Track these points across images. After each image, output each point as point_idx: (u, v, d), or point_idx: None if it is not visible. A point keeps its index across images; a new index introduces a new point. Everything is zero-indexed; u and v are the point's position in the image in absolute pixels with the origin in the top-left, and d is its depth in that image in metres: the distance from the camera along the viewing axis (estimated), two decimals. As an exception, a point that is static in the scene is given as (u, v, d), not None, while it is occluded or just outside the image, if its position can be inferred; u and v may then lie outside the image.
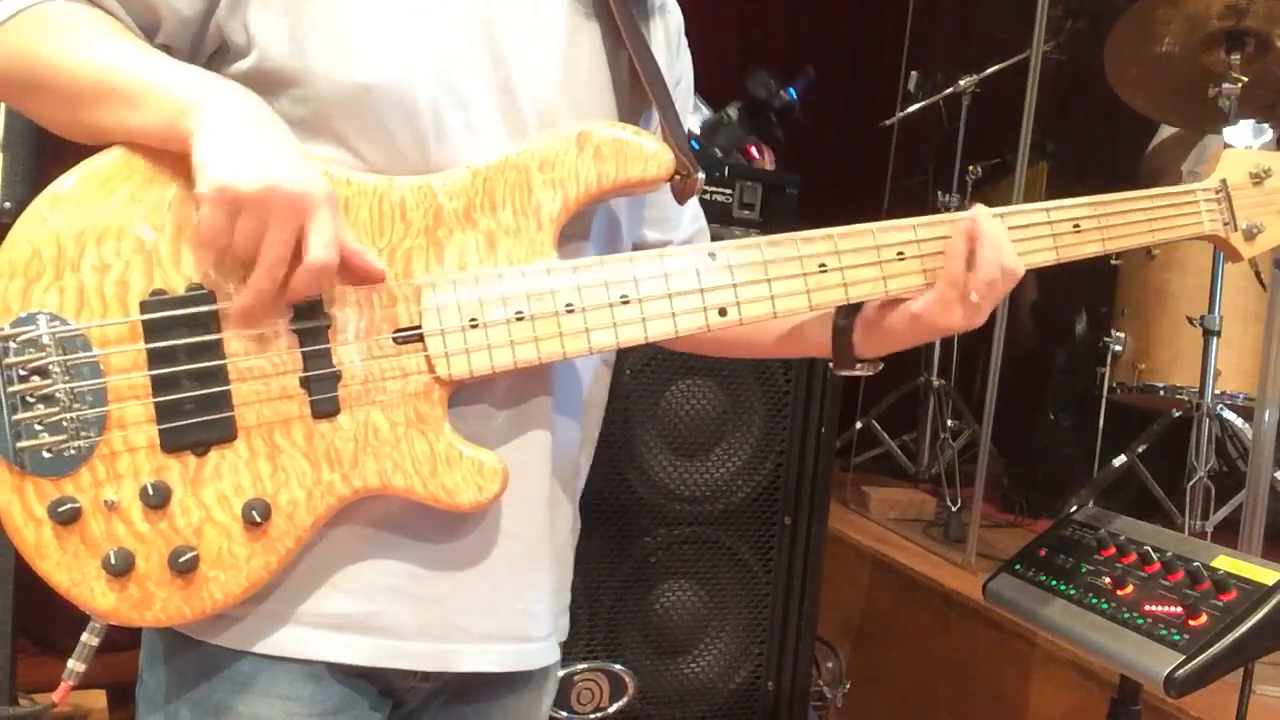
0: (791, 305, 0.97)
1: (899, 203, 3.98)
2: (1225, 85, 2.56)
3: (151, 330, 0.84)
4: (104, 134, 0.86)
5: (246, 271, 0.83)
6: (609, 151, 0.92)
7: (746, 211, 2.12)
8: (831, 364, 1.08)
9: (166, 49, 0.92)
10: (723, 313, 0.95)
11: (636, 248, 1.13)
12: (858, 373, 1.08)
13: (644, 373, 1.91)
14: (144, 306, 0.84)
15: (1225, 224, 1.13)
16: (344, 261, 0.85)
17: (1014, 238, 1.01)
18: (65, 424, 0.82)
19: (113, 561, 0.83)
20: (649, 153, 0.93)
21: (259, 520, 0.85)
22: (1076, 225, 1.05)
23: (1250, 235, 1.14)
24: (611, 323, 0.92)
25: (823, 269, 0.97)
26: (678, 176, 0.97)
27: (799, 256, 0.97)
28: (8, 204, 1.76)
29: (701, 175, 0.98)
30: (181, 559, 0.84)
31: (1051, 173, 3.55)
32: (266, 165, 0.79)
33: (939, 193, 3.80)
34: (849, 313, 1.05)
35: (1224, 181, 1.13)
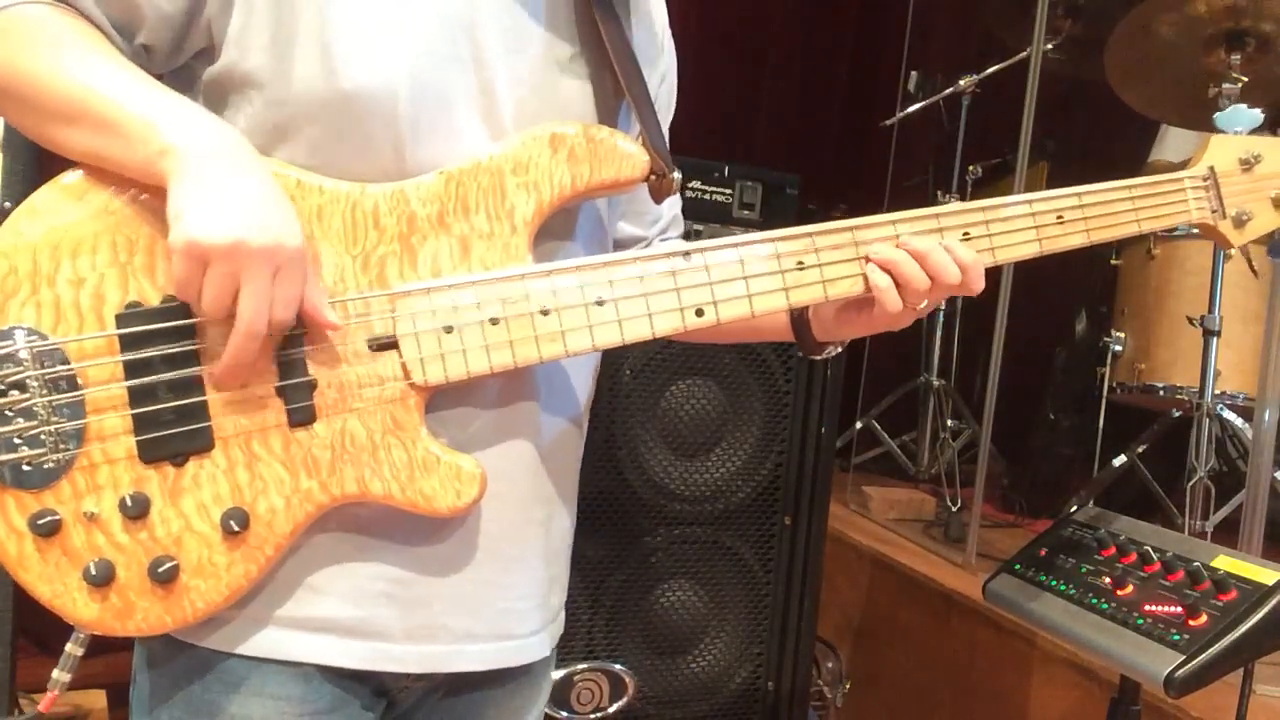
0: (769, 304, 0.96)
1: (899, 203, 3.96)
2: (1225, 85, 2.55)
3: (128, 342, 0.84)
4: (73, 154, 0.85)
5: None
6: (583, 153, 0.92)
7: (746, 211, 2.12)
8: (800, 351, 1.10)
9: (147, 49, 0.92)
10: (699, 313, 0.94)
11: (614, 241, 1.13)
12: (828, 354, 1.10)
13: (644, 373, 1.91)
14: (119, 319, 0.84)
15: (1214, 211, 1.11)
16: (302, 313, 0.85)
17: (995, 230, 1.00)
18: (44, 437, 0.83)
19: (93, 572, 0.83)
20: (623, 154, 0.93)
21: (237, 529, 0.85)
22: (1060, 216, 1.03)
23: (1240, 223, 1.11)
24: (587, 324, 0.91)
25: (800, 267, 0.96)
26: (653, 177, 0.96)
27: (776, 255, 0.96)
28: (8, 204, 1.76)
29: (678, 175, 0.98)
30: (161, 569, 0.84)
31: (1051, 173, 3.54)
32: (238, 219, 0.79)
33: (939, 193, 3.80)
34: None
35: (1212, 168, 1.11)
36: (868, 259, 0.97)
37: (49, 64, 0.84)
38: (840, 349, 1.10)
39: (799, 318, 1.08)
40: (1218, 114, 1.19)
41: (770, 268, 0.96)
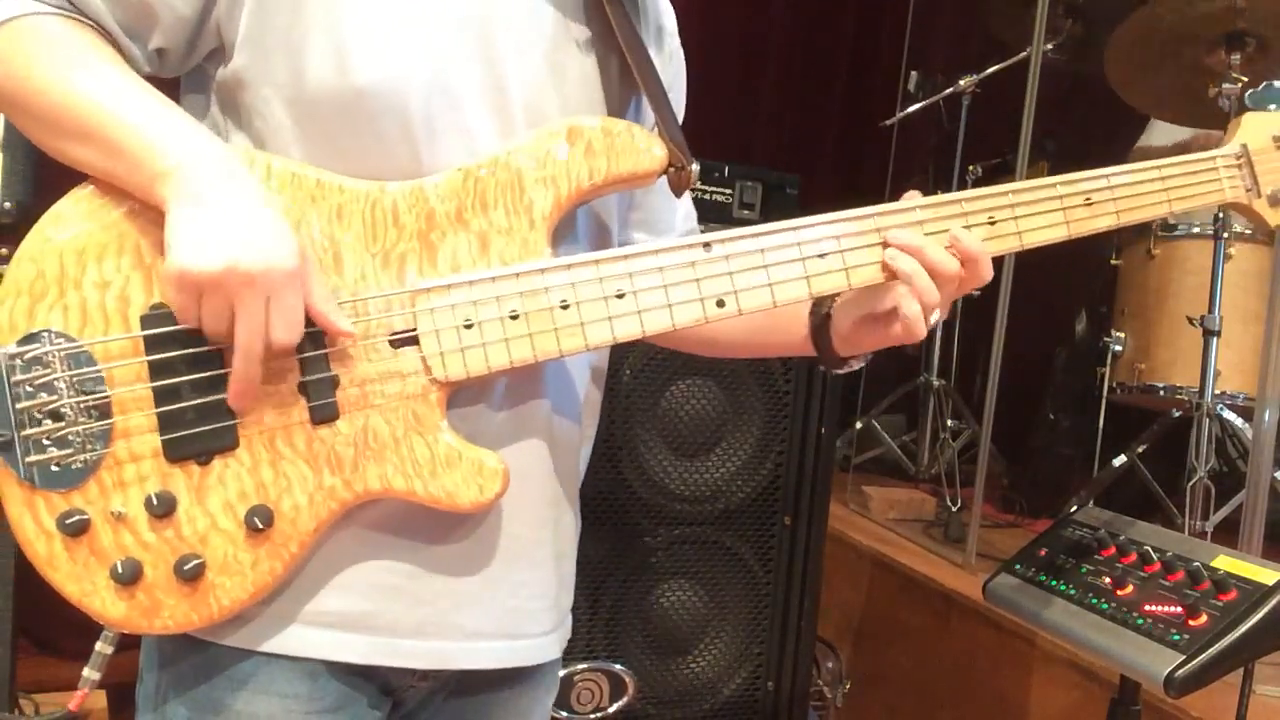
0: (791, 294, 0.95)
1: (899, 203, 3.97)
2: (1225, 85, 2.56)
3: (152, 343, 0.84)
4: (80, 167, 0.86)
5: None
6: (600, 146, 0.92)
7: (746, 211, 2.12)
8: (821, 366, 1.08)
9: (160, 53, 0.92)
10: (720, 304, 0.93)
11: None
12: (850, 368, 1.07)
13: (644, 373, 1.91)
14: (144, 321, 0.85)
15: (1248, 190, 1.08)
16: (313, 322, 0.85)
17: (1020, 214, 0.98)
18: (72, 438, 0.83)
19: (120, 571, 0.84)
20: (641, 146, 0.93)
21: (261, 526, 0.86)
22: (1088, 199, 1.01)
23: (1276, 201, 1.08)
24: (607, 317, 0.91)
25: (822, 255, 0.95)
26: (672, 169, 0.96)
27: (798, 244, 0.95)
28: (8, 204, 1.76)
29: (696, 167, 0.97)
30: (187, 567, 0.84)
31: (1051, 172, 3.53)
32: (227, 246, 0.80)
33: (939, 193, 3.79)
34: (822, 313, 1.04)
35: (1245, 146, 1.07)
36: (886, 244, 0.95)
37: (55, 78, 0.84)
38: (863, 363, 1.07)
39: (819, 330, 1.06)
40: (1250, 92, 1.17)
41: (791, 256, 0.94)
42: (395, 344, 0.89)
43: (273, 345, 0.82)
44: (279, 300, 0.82)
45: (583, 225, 1.01)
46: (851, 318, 1.01)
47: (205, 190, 0.82)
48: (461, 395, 0.92)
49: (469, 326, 0.89)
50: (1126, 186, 1.03)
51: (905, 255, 0.94)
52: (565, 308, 0.91)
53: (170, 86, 0.92)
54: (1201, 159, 1.07)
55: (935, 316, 0.96)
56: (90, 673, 0.90)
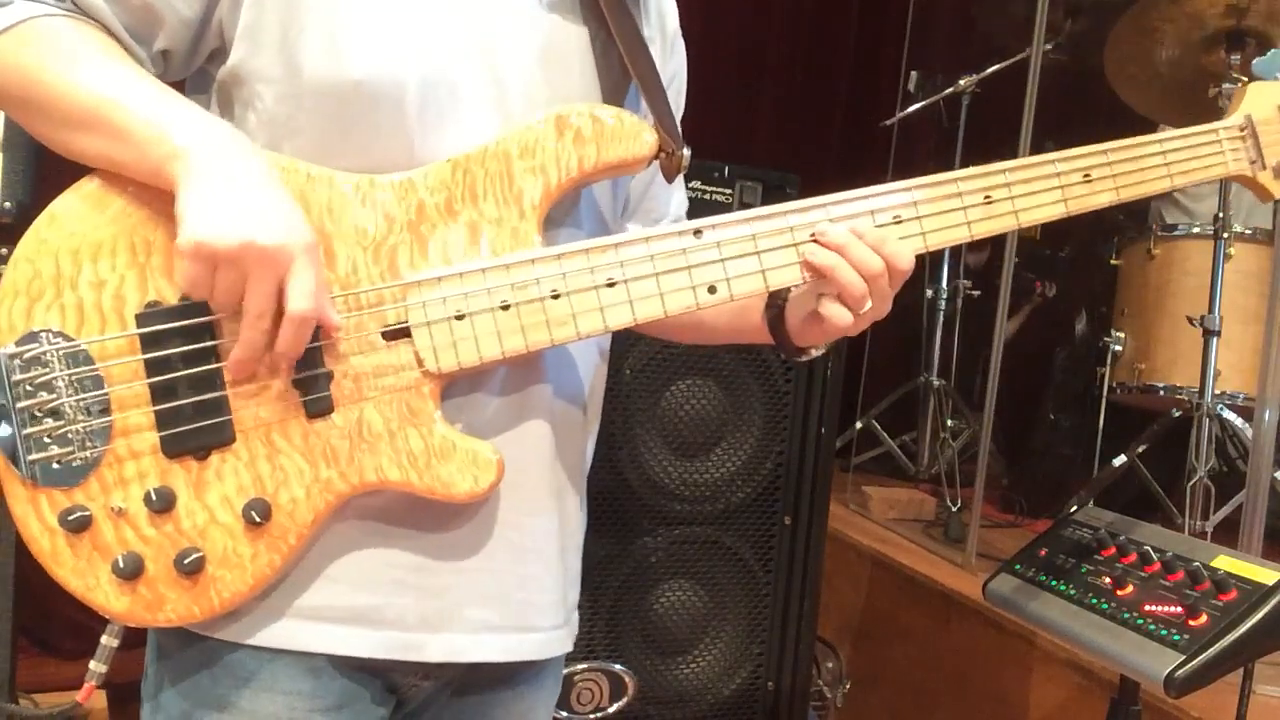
0: (784, 278, 0.94)
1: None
2: (1225, 85, 2.56)
3: (148, 341, 0.85)
4: (91, 161, 0.87)
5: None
6: (589, 134, 0.92)
7: (746, 212, 2.12)
8: (782, 355, 1.07)
9: (165, 55, 0.93)
10: (712, 290, 0.93)
11: None
12: (809, 356, 1.05)
13: (644, 372, 1.91)
14: (139, 319, 0.86)
15: (1252, 162, 1.05)
16: None
17: (1018, 192, 0.97)
18: (72, 436, 0.85)
19: (122, 565, 0.85)
20: (629, 131, 0.92)
21: (259, 520, 0.86)
22: (1086, 175, 0.99)
23: None
24: (599, 306, 0.91)
25: (813, 239, 0.94)
26: (663, 154, 0.95)
27: (789, 228, 0.94)
28: (8, 204, 1.76)
29: (687, 152, 0.97)
30: (187, 560, 0.85)
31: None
32: (245, 221, 0.81)
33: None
34: (777, 305, 1.03)
35: (1249, 117, 1.05)
36: (812, 238, 0.93)
37: (64, 74, 0.86)
38: (821, 352, 1.05)
39: (774, 322, 1.04)
40: (1256, 60, 1.14)
41: (784, 241, 0.94)
42: (388, 337, 0.89)
43: (292, 317, 0.83)
44: (295, 273, 0.82)
45: (585, 215, 1.01)
46: (799, 314, 1.01)
47: (217, 167, 0.83)
48: (459, 384, 0.93)
49: (460, 318, 0.89)
50: (1126, 161, 1.01)
51: (826, 250, 0.93)
52: (556, 298, 0.90)
53: (175, 89, 0.93)
54: (1203, 131, 1.05)
55: (866, 308, 0.93)
56: (96, 665, 0.91)
